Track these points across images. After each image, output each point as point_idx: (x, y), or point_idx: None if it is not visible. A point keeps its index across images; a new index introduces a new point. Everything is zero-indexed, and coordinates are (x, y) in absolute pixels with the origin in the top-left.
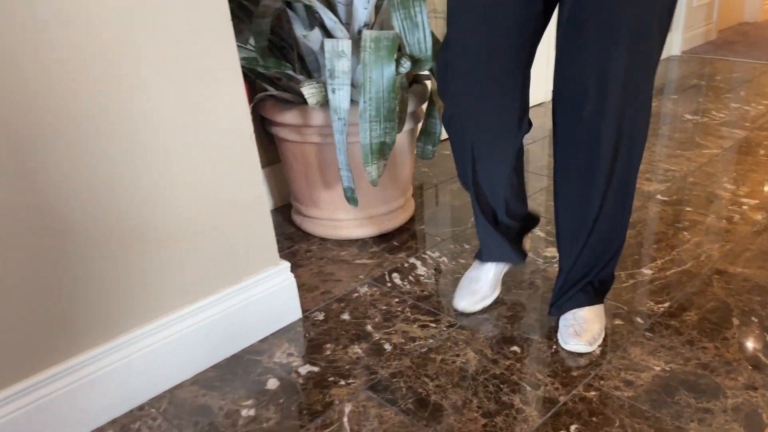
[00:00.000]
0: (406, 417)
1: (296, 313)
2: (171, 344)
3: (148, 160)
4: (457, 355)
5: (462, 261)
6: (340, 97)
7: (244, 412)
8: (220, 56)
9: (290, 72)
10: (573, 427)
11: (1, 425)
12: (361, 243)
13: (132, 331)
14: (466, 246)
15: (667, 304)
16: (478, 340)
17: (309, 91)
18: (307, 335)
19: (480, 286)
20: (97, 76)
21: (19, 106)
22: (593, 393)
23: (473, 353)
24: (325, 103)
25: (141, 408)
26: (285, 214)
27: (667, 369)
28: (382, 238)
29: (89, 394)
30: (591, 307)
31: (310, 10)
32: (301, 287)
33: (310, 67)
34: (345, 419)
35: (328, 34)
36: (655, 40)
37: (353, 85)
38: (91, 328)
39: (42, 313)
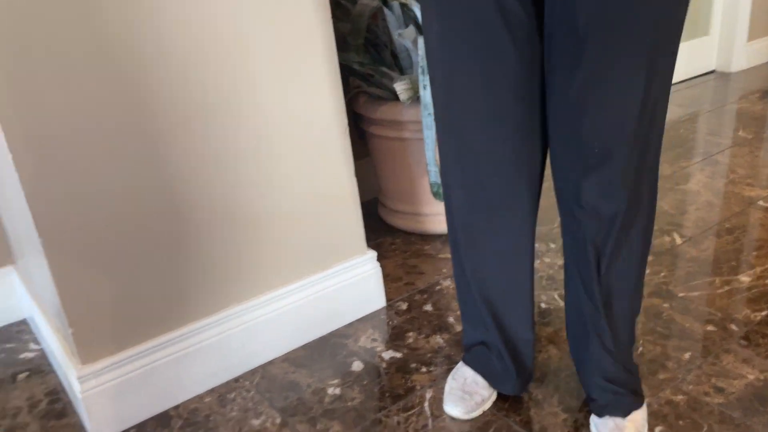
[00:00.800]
0: None
1: (381, 302)
2: (266, 322)
3: (252, 151)
4: (539, 351)
5: (546, 260)
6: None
7: (330, 391)
8: (320, 54)
9: (384, 68)
10: (657, 429)
11: (116, 385)
12: (444, 238)
13: (232, 307)
14: (552, 245)
15: (764, 313)
16: (561, 338)
17: (401, 87)
18: (390, 323)
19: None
20: (212, 76)
21: (149, 105)
22: (681, 397)
23: (555, 350)
24: (416, 100)
25: (237, 380)
26: (370, 208)
27: (762, 378)
28: None
29: (193, 363)
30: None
31: (405, 8)
32: (386, 277)
33: (403, 64)
34: (426, 404)
35: (422, 31)
36: (670, 60)
37: None
38: (197, 302)
39: (158, 285)
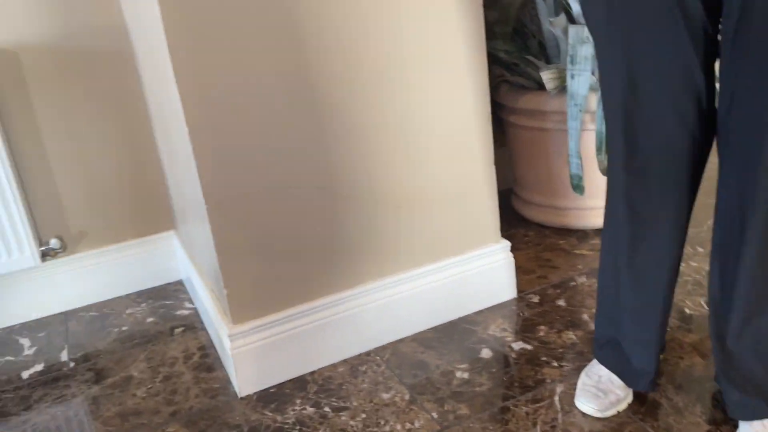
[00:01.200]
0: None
1: (512, 292)
2: (398, 301)
3: (399, 132)
4: (681, 358)
5: (693, 264)
6: (579, 83)
7: (458, 374)
8: (469, 41)
9: (530, 57)
10: None
11: (262, 346)
12: (581, 234)
13: (369, 283)
14: (699, 249)
15: None
16: (706, 345)
17: (548, 75)
18: (521, 314)
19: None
20: (368, 58)
21: (313, 89)
22: None
23: (699, 358)
24: (562, 89)
25: (368, 354)
26: (503, 199)
27: None
28: None
29: (330, 332)
30: None
31: None
32: (517, 269)
33: (550, 53)
34: (556, 398)
35: (573, 20)
36: None
37: (593, 73)
38: (338, 275)
39: (306, 257)
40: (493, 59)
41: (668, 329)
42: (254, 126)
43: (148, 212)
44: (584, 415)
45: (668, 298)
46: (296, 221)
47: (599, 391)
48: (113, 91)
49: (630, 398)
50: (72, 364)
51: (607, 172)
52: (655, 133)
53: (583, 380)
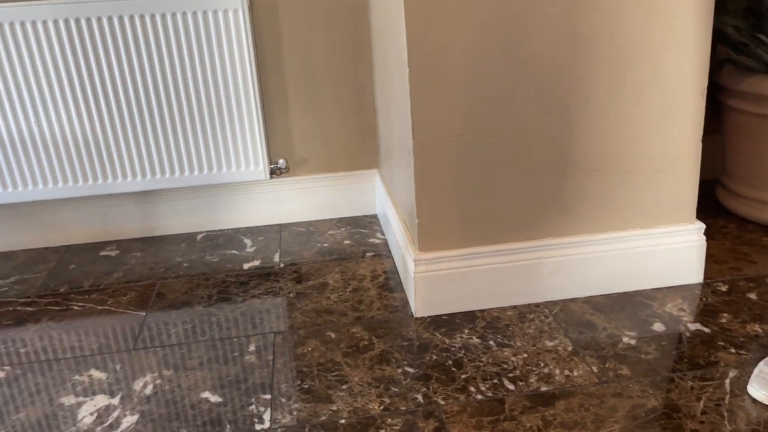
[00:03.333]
0: None
1: (697, 276)
2: (578, 262)
3: (609, 95)
4: None
5: None
6: None
7: (625, 339)
8: (696, 10)
9: (762, 36)
10: None
11: (441, 276)
12: None
13: (551, 239)
14: None
15: None
16: None
17: None
18: (704, 299)
19: None
20: (584, 20)
21: (532, 40)
22: None
23: None
24: None
25: (537, 305)
26: (707, 189)
27: None
28: None
29: (505, 277)
30: None
31: None
32: (709, 257)
33: None
34: (727, 381)
35: None
36: None
37: None
38: (522, 225)
39: (498, 203)
40: (718, 37)
41: None
42: (468, 77)
43: (358, 149)
44: (755, 401)
45: None
46: (491, 169)
47: None
48: (347, 39)
49: None
50: (282, 265)
51: None
52: None
53: (761, 368)
